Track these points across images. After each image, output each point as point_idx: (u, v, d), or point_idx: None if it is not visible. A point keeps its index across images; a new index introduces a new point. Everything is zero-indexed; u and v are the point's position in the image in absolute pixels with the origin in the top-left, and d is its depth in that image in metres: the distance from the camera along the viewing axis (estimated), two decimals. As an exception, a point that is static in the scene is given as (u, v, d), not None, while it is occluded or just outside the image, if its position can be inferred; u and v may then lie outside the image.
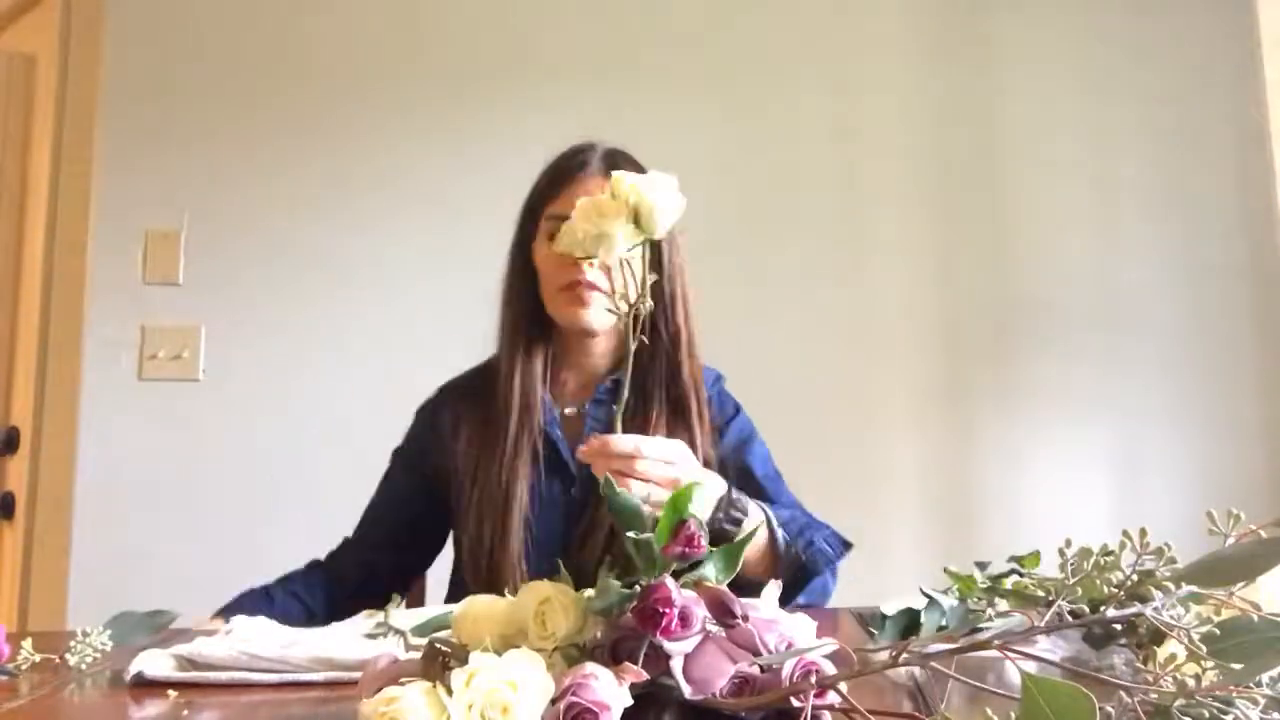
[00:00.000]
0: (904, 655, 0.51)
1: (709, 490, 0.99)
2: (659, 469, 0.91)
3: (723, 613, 0.57)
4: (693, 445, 1.13)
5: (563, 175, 1.18)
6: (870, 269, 2.20)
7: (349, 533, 1.30)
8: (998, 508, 2.13)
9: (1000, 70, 2.28)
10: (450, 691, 0.49)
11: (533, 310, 1.20)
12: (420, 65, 2.18)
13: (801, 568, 1.08)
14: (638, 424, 1.15)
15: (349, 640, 0.80)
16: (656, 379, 1.18)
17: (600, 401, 1.21)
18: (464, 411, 1.22)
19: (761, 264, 2.17)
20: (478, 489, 1.15)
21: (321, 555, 1.28)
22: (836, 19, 2.27)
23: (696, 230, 2.14)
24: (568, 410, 1.22)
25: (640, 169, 1.20)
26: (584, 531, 1.13)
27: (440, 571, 1.30)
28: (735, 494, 1.02)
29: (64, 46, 2.14)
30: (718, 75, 2.24)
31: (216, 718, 0.67)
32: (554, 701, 0.52)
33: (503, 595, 0.63)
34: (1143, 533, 0.47)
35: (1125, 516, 2.10)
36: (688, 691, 0.55)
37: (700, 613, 0.56)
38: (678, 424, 1.17)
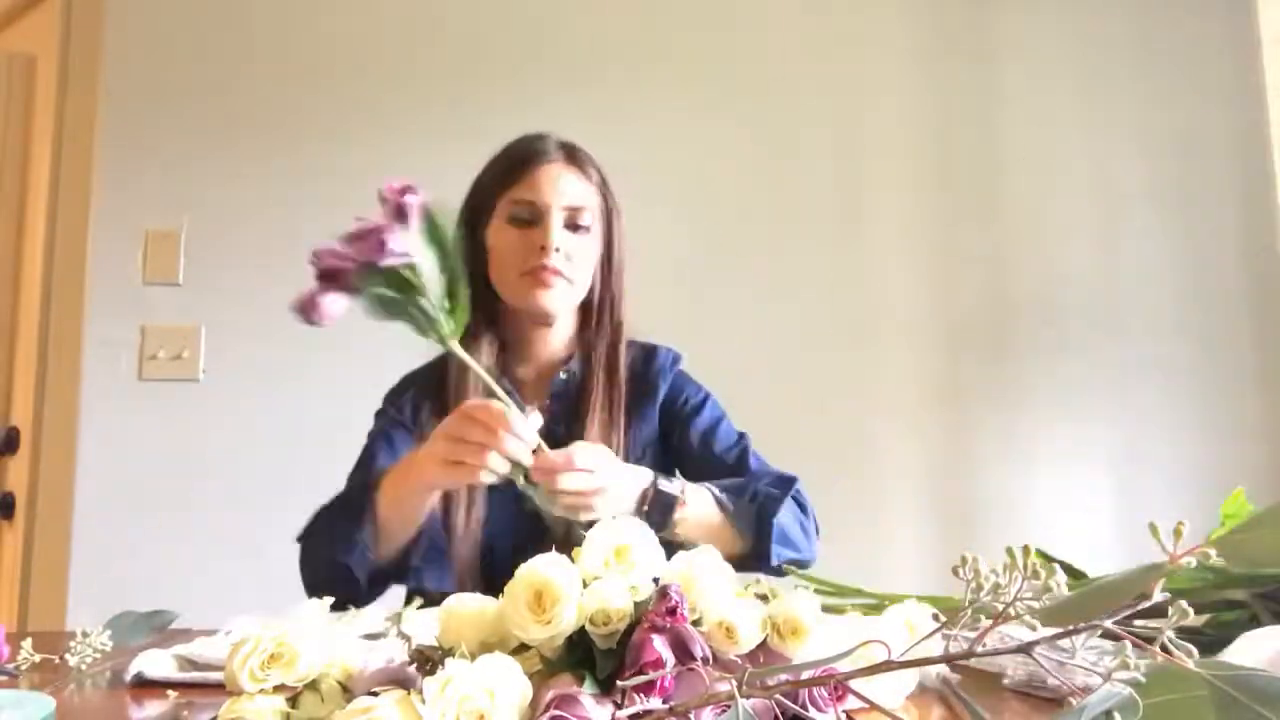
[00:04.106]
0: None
1: (627, 489, 0.99)
2: (578, 480, 0.92)
3: (684, 655, 0.54)
4: (620, 433, 1.15)
5: (523, 161, 1.17)
6: (870, 269, 2.20)
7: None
8: (998, 507, 2.13)
9: (1000, 70, 2.28)
10: (424, 699, 0.48)
11: (479, 296, 1.15)
12: (421, 66, 2.18)
13: (760, 522, 1.06)
14: (582, 413, 1.16)
15: (350, 642, 0.80)
16: (600, 370, 1.18)
17: (558, 396, 1.19)
18: (424, 405, 1.20)
19: (761, 263, 2.17)
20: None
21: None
22: (837, 19, 2.27)
23: (697, 230, 2.15)
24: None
25: (594, 160, 1.22)
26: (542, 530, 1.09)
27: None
28: (662, 483, 1.01)
29: (64, 46, 2.14)
30: (718, 76, 2.24)
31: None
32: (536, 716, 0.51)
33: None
34: (1026, 551, 0.44)
35: (1125, 516, 2.10)
36: None
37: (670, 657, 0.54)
38: (614, 413, 1.17)
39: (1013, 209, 2.24)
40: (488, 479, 0.92)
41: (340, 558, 1.02)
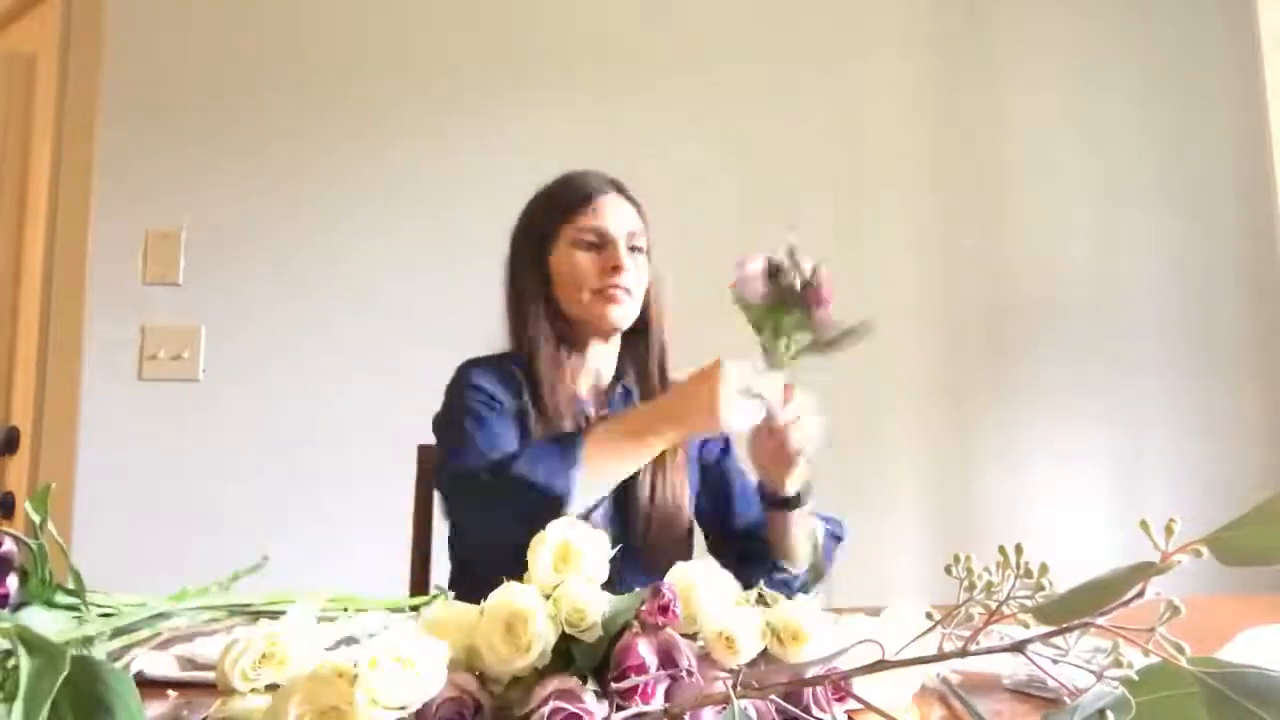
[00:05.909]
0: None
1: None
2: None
3: (669, 663, 0.54)
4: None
5: (583, 194, 1.27)
6: (870, 269, 2.20)
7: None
8: (997, 508, 2.13)
9: (1000, 70, 2.28)
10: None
11: (547, 314, 1.27)
12: (419, 67, 2.18)
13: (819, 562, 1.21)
14: None
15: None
16: (654, 383, 1.30)
17: (615, 405, 1.29)
18: (502, 396, 1.22)
19: (761, 264, 2.17)
20: None
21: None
22: (837, 19, 2.27)
23: (697, 230, 2.15)
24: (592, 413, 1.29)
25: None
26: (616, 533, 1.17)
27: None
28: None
29: (64, 46, 2.14)
30: (718, 75, 2.24)
31: (215, 717, 0.66)
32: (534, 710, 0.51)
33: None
34: (1019, 549, 0.44)
35: (1125, 517, 2.10)
36: None
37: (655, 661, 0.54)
38: None
39: (1013, 209, 2.24)
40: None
41: (554, 489, 1.04)
